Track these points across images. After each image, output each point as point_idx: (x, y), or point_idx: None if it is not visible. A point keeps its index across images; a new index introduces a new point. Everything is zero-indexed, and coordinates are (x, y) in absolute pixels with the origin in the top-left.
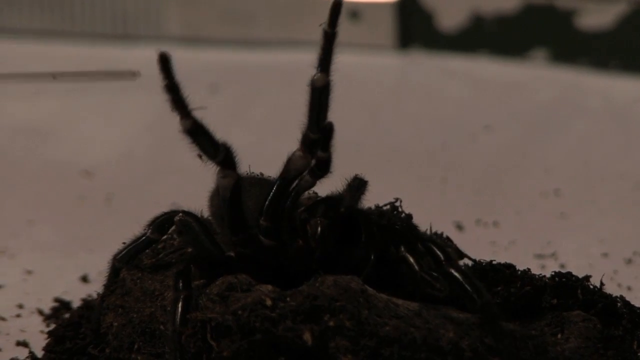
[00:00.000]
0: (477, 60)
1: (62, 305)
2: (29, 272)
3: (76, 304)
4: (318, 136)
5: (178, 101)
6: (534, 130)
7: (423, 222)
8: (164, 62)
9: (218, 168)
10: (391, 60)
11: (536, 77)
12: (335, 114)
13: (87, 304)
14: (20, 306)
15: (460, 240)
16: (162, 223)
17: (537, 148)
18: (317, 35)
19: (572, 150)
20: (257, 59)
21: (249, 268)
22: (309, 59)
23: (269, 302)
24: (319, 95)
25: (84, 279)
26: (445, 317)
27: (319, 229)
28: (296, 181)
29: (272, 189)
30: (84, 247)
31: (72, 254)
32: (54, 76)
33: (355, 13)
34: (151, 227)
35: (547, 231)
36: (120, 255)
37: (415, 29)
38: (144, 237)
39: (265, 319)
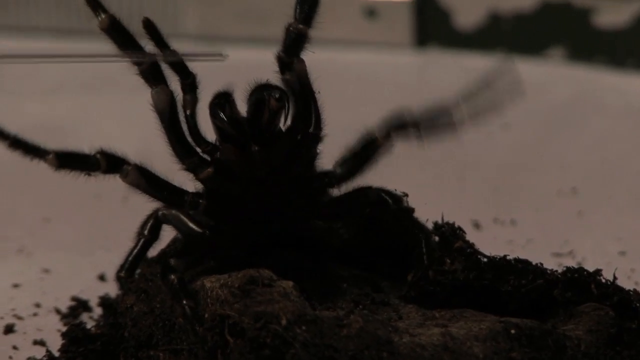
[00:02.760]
0: (494, 59)
1: (80, 304)
2: (46, 271)
3: (93, 302)
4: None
5: None
6: (551, 128)
7: (440, 220)
8: None
9: (145, 80)
10: (408, 58)
11: (553, 75)
12: (352, 112)
13: (104, 302)
14: (38, 305)
15: (478, 239)
16: (153, 224)
17: (554, 146)
18: (332, 33)
19: (590, 148)
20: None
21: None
22: (324, 57)
23: (284, 322)
24: None
25: (101, 278)
26: (470, 337)
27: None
28: None
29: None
30: (101, 246)
31: (89, 252)
32: (145, 56)
33: (373, 11)
34: (145, 231)
35: (564, 229)
36: (124, 268)
37: (432, 27)
38: (140, 242)
39: (276, 337)
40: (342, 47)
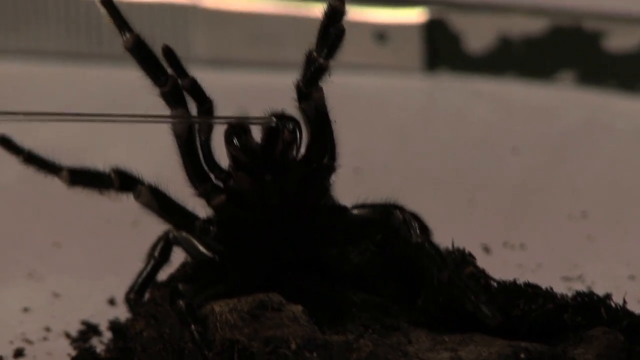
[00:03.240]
0: (505, 83)
1: (90, 328)
2: (56, 295)
3: (103, 326)
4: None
5: (116, 16)
6: (562, 152)
7: (450, 243)
8: None
9: (165, 102)
10: (418, 82)
11: (563, 99)
12: (362, 137)
13: (114, 326)
14: (48, 329)
15: (487, 263)
16: (163, 246)
17: (564, 170)
18: (342, 57)
19: (600, 173)
20: (285, 81)
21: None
22: (336, 81)
23: (293, 346)
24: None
25: (111, 302)
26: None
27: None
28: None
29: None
30: (111, 270)
31: (99, 277)
32: (201, 117)
33: (382, 35)
34: (155, 253)
35: (574, 253)
36: (133, 290)
37: (442, 51)
38: (150, 264)
39: None
40: (351, 71)
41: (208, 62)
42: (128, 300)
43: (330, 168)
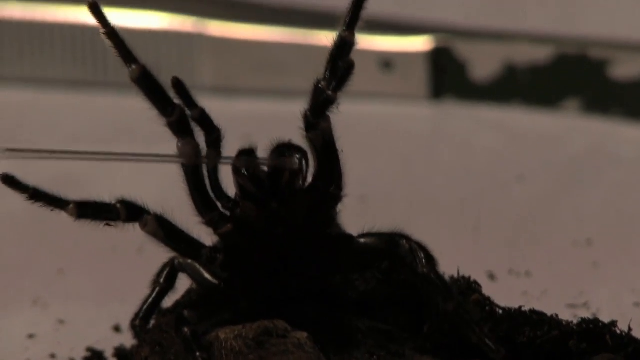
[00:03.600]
0: (510, 111)
1: (95, 355)
2: (62, 322)
3: (109, 353)
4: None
5: (121, 47)
6: (567, 180)
7: (455, 271)
8: (96, 11)
9: (172, 132)
10: (424, 110)
11: (569, 128)
12: (368, 164)
13: (119, 353)
14: (53, 356)
15: (493, 290)
16: (169, 273)
17: (569, 198)
18: (349, 86)
19: (605, 200)
20: (291, 109)
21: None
22: (342, 109)
23: None
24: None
25: (117, 329)
26: None
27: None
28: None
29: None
30: (116, 297)
31: (104, 304)
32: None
33: (388, 63)
34: (160, 279)
35: (579, 281)
36: (138, 316)
37: (448, 79)
38: (156, 290)
39: None
40: (357, 99)
41: (214, 90)
42: (133, 327)
43: (337, 197)
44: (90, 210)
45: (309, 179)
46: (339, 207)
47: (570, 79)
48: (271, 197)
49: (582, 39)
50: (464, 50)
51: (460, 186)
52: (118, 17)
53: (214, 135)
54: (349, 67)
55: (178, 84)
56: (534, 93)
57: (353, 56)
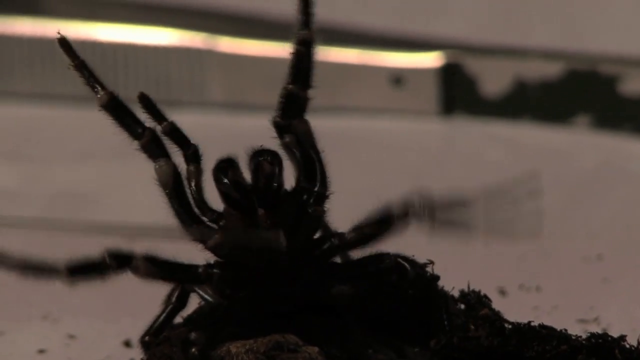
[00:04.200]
0: (521, 126)
1: None
2: (72, 337)
3: None
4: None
5: (89, 77)
6: (577, 195)
7: (465, 285)
8: (65, 45)
9: (146, 154)
10: (434, 126)
11: (579, 143)
12: (378, 180)
13: None
14: None
15: (503, 306)
16: (180, 293)
17: (579, 213)
18: (358, 101)
19: (615, 216)
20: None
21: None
22: (350, 124)
23: None
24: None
25: (127, 344)
26: None
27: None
28: None
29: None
30: (126, 312)
31: (114, 319)
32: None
33: (399, 79)
34: (172, 299)
35: (589, 296)
36: (148, 333)
37: (458, 95)
38: (167, 310)
39: None
40: (367, 115)
41: (224, 106)
42: (143, 343)
43: (322, 195)
44: (82, 273)
45: (291, 181)
46: (326, 205)
47: (580, 94)
48: (256, 203)
49: (592, 55)
50: (475, 66)
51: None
52: (128, 33)
53: (190, 150)
54: (309, 60)
55: (144, 99)
56: (544, 109)
57: (363, 72)
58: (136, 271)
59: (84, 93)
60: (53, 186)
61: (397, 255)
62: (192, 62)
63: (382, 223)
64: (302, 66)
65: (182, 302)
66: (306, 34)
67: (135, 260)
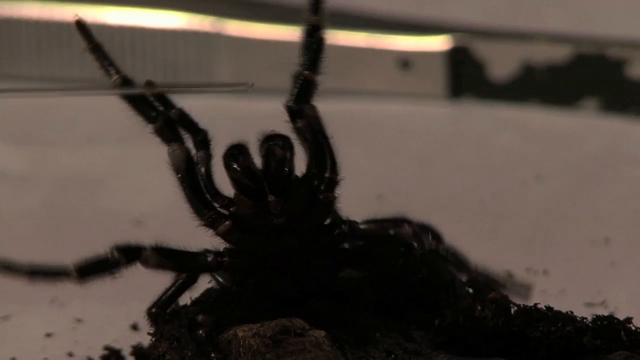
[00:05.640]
0: (528, 110)
1: (112, 353)
2: (79, 321)
3: (126, 351)
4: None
5: (104, 60)
6: (585, 179)
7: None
8: (82, 28)
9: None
10: (442, 109)
11: (587, 127)
12: (386, 163)
13: (137, 351)
14: (70, 354)
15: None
16: None
17: (587, 197)
18: (365, 84)
19: (623, 199)
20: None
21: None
22: (357, 108)
23: None
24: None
25: (134, 327)
26: None
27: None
28: None
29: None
30: (134, 296)
31: (122, 302)
32: (150, 84)
33: (406, 63)
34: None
35: (597, 280)
36: (156, 305)
37: (466, 79)
38: (177, 283)
39: None
40: (375, 98)
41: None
42: (150, 314)
43: (333, 181)
44: (92, 270)
45: (303, 167)
46: (337, 191)
47: (588, 78)
48: (266, 189)
49: (600, 38)
50: (482, 49)
51: (478, 185)
52: (136, 16)
53: (200, 135)
54: (320, 44)
55: (153, 87)
56: (552, 92)
57: (370, 55)
58: (146, 263)
59: (92, 76)
60: (61, 170)
61: (410, 222)
62: (201, 46)
63: (390, 237)
64: (311, 52)
65: (192, 277)
66: (316, 19)
67: (144, 252)
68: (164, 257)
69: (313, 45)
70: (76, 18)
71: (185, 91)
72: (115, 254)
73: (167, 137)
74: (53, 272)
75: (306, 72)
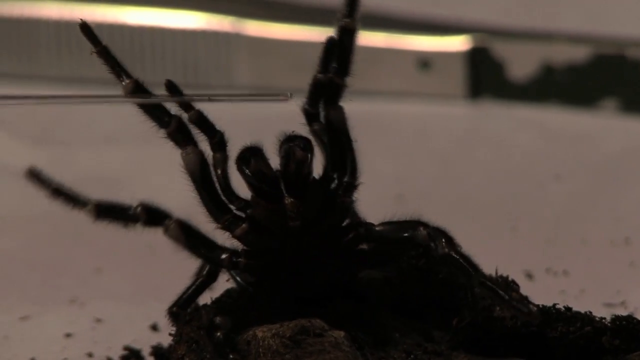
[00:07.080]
0: (548, 110)
1: (132, 354)
2: (99, 321)
3: (146, 352)
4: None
5: (113, 64)
6: (604, 179)
7: (493, 270)
8: (87, 31)
9: (173, 142)
10: (462, 110)
11: (606, 127)
12: (405, 164)
13: (156, 351)
14: (90, 355)
15: (530, 289)
16: (211, 268)
17: (606, 197)
18: (385, 85)
19: None
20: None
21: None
22: (377, 108)
23: None
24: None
25: (154, 328)
26: None
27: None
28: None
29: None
30: (153, 296)
31: (141, 302)
32: (209, 98)
33: (426, 63)
34: (203, 272)
35: (616, 280)
36: (177, 304)
37: (485, 79)
38: (197, 282)
39: None
40: (395, 98)
41: (251, 89)
42: (171, 313)
43: (351, 186)
44: (109, 212)
45: (320, 170)
46: (355, 195)
47: (607, 78)
48: (283, 192)
49: (619, 38)
50: (502, 50)
51: (498, 185)
52: (156, 17)
53: (216, 137)
54: (350, 46)
55: (172, 87)
56: (572, 92)
57: (387, 55)
58: (166, 230)
59: (110, 77)
60: (79, 170)
61: (426, 225)
62: (220, 46)
63: (405, 240)
64: (342, 54)
65: (212, 277)
66: (349, 22)
67: (168, 221)
68: (184, 232)
69: (344, 48)
70: (81, 21)
71: (223, 100)
72: (139, 210)
73: (180, 141)
74: (73, 199)
75: (321, 75)
